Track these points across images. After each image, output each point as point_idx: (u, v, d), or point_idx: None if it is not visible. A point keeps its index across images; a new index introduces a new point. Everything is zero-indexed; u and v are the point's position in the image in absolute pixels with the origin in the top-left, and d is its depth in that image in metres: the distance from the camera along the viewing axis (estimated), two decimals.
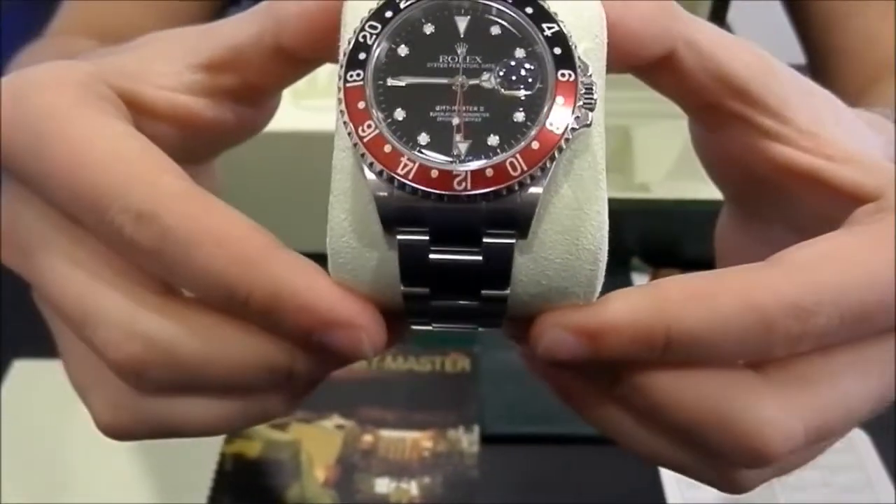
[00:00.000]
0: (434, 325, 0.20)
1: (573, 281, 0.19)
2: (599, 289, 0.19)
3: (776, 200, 0.23)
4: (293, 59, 0.21)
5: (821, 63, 0.57)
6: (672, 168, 0.60)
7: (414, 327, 0.20)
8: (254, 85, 0.22)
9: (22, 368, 0.49)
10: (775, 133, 0.21)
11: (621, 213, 0.58)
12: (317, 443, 0.45)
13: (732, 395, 0.19)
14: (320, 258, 0.20)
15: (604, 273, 0.19)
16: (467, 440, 0.45)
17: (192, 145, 0.23)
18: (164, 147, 0.20)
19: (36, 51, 0.50)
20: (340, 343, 0.19)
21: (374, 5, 0.19)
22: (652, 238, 0.57)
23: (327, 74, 0.50)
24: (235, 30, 0.21)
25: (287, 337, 0.19)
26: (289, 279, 0.18)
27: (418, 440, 0.45)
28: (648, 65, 0.21)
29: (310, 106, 0.53)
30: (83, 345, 0.20)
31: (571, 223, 0.19)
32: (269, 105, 0.24)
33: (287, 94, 0.59)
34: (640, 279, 0.57)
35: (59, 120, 0.19)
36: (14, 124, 0.19)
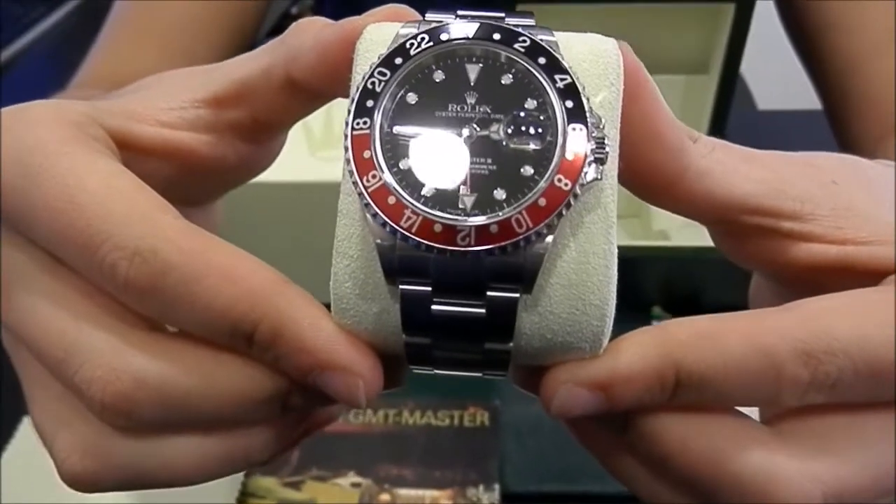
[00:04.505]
0: (436, 370, 0.19)
1: (579, 336, 0.19)
2: (606, 342, 0.19)
3: (808, 284, 0.22)
4: (302, 91, 0.21)
5: (839, 108, 0.56)
6: None
7: (416, 371, 0.20)
8: (260, 119, 0.22)
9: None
10: (798, 233, 0.21)
11: (641, 260, 0.57)
12: (332, 502, 0.44)
13: (743, 448, 0.18)
14: None
15: (611, 328, 0.19)
16: (487, 498, 0.44)
17: (190, 183, 0.23)
18: (160, 185, 0.20)
19: None
20: (336, 387, 0.19)
21: (384, 50, 0.19)
22: (673, 286, 0.56)
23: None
24: (244, 64, 0.22)
25: (284, 372, 0.19)
26: (294, 316, 0.18)
27: (437, 499, 0.44)
28: (659, 192, 0.21)
29: (327, 157, 0.53)
30: (56, 387, 0.20)
31: (578, 278, 0.19)
32: (272, 145, 0.24)
33: (304, 144, 0.60)
34: None
35: (49, 156, 0.19)
36: (1, 159, 0.19)
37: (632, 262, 0.53)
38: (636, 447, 0.20)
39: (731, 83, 0.61)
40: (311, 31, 0.20)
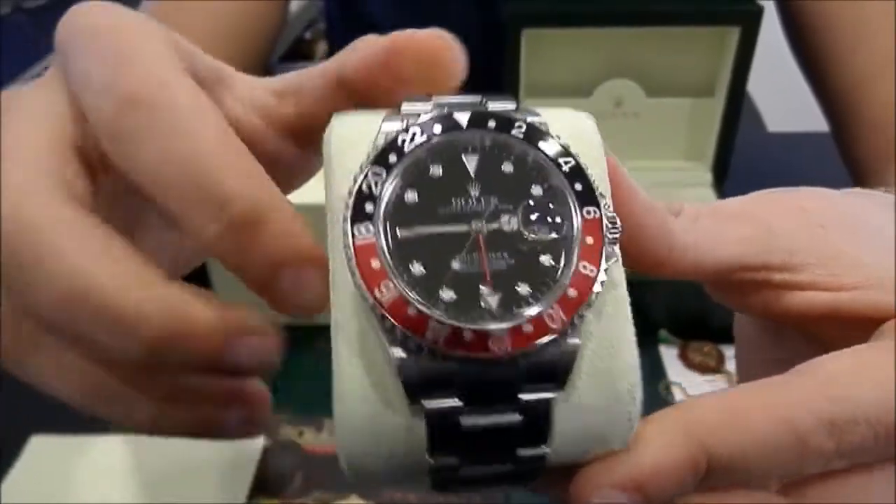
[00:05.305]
0: (460, 491, 0.18)
1: (611, 427, 0.17)
2: (636, 427, 0.18)
3: (801, 328, 0.22)
4: (345, 89, 0.21)
5: (844, 131, 0.56)
6: None
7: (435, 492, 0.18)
8: (304, 115, 0.22)
9: (39, 444, 0.48)
10: (789, 282, 0.21)
11: (647, 284, 0.57)
12: None
13: None
14: None
15: (640, 411, 0.18)
16: None
17: None
18: None
19: None
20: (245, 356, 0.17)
21: (367, 142, 0.18)
22: (679, 309, 0.56)
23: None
24: (305, 70, 0.22)
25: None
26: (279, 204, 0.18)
27: None
28: (649, 270, 0.21)
29: None
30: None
31: (605, 365, 0.17)
32: (309, 156, 0.24)
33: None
34: (668, 352, 0.55)
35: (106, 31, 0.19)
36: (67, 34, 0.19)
37: (638, 286, 0.52)
38: None
39: (736, 106, 0.62)
40: (364, 41, 0.21)
